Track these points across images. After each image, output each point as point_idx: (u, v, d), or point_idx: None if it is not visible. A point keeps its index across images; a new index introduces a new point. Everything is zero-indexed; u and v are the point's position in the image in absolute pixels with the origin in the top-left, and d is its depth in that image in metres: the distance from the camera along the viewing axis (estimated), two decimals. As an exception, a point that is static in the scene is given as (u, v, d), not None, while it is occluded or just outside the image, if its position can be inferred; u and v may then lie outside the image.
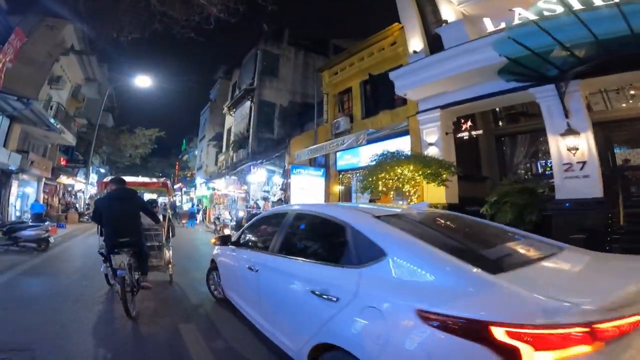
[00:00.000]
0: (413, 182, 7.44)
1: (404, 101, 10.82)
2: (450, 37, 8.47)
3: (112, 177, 5.00)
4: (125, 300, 3.60)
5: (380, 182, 7.42)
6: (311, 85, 19.12)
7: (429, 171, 7.21)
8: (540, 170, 9.95)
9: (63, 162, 21.32)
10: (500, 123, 10.67)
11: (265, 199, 14.00)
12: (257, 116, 17.41)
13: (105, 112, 29.83)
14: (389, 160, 7.42)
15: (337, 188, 12.70)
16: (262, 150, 16.57)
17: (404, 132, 10.30)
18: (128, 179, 5.33)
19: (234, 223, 13.40)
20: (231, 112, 20.39)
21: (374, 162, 7.93)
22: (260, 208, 13.71)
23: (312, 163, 12.84)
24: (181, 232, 14.00)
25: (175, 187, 41.34)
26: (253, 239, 3.73)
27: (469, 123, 9.42)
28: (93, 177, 31.41)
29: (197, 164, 33.02)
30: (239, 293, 3.48)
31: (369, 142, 10.70)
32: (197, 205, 25.10)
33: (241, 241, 3.84)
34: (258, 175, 14.07)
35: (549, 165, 9.59)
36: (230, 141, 19.69)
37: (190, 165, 38.48)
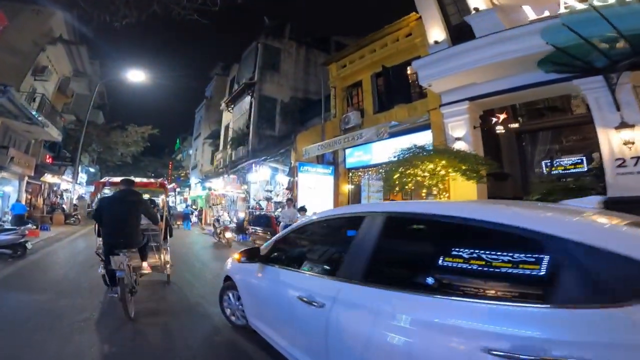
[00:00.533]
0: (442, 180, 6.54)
1: (421, 94, 9.94)
2: (481, 25, 7.62)
3: (123, 177, 4.88)
4: (124, 301, 3.51)
5: (408, 179, 6.47)
6: (313, 81, 18.18)
7: (464, 167, 6.30)
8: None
9: (49, 160, 19.76)
10: (520, 119, 9.92)
11: (269, 199, 12.90)
12: (257, 112, 16.32)
13: (95, 110, 28.27)
14: (419, 155, 6.49)
15: (347, 187, 11.71)
16: (263, 147, 15.48)
17: (423, 127, 9.39)
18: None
19: (234, 225, 12.28)
20: (229, 109, 19.22)
21: (396, 158, 7.02)
22: (263, 209, 12.63)
23: (320, 160, 11.82)
24: (177, 234, 12.86)
25: (169, 187, 39.58)
26: (298, 255, 2.67)
27: (501, 116, 8.59)
28: (82, 177, 29.80)
29: (192, 163, 31.59)
30: (279, 330, 2.45)
31: (382, 138, 9.77)
32: (192, 206, 23.73)
33: (275, 257, 2.79)
34: (260, 173, 12.97)
35: (578, 162, 8.83)
36: (229, 138, 18.52)
37: (184, 164, 36.95)
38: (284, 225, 7.68)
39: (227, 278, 3.60)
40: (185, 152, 37.70)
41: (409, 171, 6.56)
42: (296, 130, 15.23)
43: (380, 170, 9.01)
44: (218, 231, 11.39)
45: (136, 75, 18.09)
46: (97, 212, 4.15)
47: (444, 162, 6.33)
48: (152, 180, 8.16)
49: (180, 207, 30.90)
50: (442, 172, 6.38)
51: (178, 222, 19.20)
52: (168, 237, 5.84)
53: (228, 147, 18.60)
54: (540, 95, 7.96)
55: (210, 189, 19.92)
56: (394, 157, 7.10)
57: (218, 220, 11.96)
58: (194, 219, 20.72)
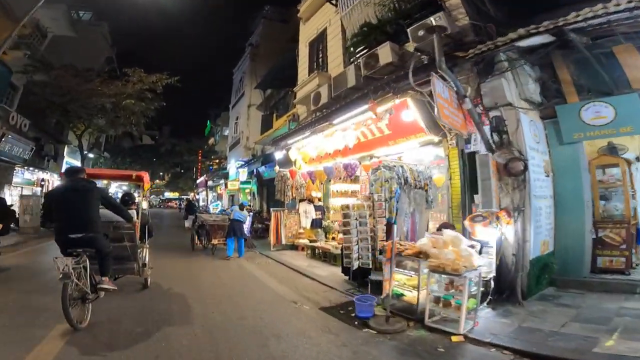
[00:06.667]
0: None
1: None
2: None
3: (70, 167, 4.44)
4: (66, 310, 2.80)
5: None
6: None
7: None
8: None
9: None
10: None
11: None
12: None
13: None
14: None
15: None
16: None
17: None
18: (99, 171, 4.40)
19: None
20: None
21: None
22: None
23: None
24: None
25: (198, 181, 29.09)
26: None
27: None
28: (76, 165, 19.07)
29: (231, 140, 20.58)
30: None
31: None
32: (245, 207, 11.15)
33: None
34: None
35: None
36: (355, 31, 6.95)
37: (217, 149, 26.05)
38: None
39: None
40: (218, 134, 26.86)
41: None
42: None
43: None
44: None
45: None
46: (45, 207, 3.57)
47: None
48: (128, 171, 5.99)
49: (214, 208, 19.87)
50: None
51: (214, 241, 7.94)
52: (146, 237, 4.74)
53: (347, 54, 7.19)
54: None
55: (289, 164, 8.57)
56: None
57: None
58: (247, 227, 9.28)
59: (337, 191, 9.09)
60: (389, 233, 4.56)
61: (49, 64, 12.25)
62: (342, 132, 5.98)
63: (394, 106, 5.20)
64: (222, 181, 21.40)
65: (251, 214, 10.61)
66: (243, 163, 16.02)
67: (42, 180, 13.62)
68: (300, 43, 10.69)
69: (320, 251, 7.13)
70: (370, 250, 4.36)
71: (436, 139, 5.37)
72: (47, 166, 14.49)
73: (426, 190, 5.11)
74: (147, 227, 4.76)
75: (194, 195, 29.48)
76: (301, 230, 8.26)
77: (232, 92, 21.33)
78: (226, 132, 24.38)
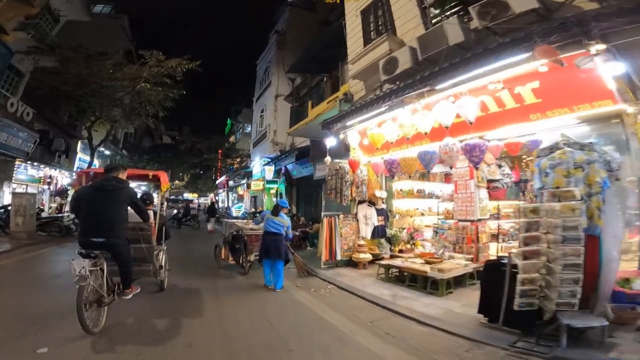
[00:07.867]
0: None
1: None
2: None
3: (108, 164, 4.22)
4: (81, 314, 2.65)
5: None
6: None
7: None
8: None
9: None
10: None
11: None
12: None
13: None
14: None
15: None
16: None
17: None
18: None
19: None
20: None
21: None
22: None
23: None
24: None
25: (218, 182, 27.58)
26: None
27: None
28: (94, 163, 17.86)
29: (255, 136, 18.82)
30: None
31: None
32: (276, 212, 8.85)
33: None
34: None
35: None
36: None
37: (238, 147, 24.33)
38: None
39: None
40: (239, 132, 25.21)
41: None
42: None
43: None
44: None
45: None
46: (73, 204, 3.35)
47: None
48: (147, 170, 5.83)
49: (236, 211, 18.17)
50: None
51: (251, 257, 5.96)
52: (163, 238, 4.58)
53: (425, 13, 5.20)
54: None
55: (343, 154, 6.59)
56: None
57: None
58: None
59: (401, 190, 7.05)
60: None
61: (57, 46, 10.79)
62: (448, 102, 3.90)
63: (549, 66, 3.12)
64: (244, 181, 19.65)
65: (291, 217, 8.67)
66: (269, 160, 14.17)
67: (50, 177, 12.19)
68: (347, 14, 8.82)
69: (397, 271, 5.07)
70: (580, 282, 2.26)
71: (630, 109, 3.23)
72: (58, 162, 13.11)
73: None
74: (164, 228, 4.56)
75: (214, 197, 28.07)
76: (361, 242, 6.20)
77: (256, 84, 19.66)
78: (248, 129, 22.73)
